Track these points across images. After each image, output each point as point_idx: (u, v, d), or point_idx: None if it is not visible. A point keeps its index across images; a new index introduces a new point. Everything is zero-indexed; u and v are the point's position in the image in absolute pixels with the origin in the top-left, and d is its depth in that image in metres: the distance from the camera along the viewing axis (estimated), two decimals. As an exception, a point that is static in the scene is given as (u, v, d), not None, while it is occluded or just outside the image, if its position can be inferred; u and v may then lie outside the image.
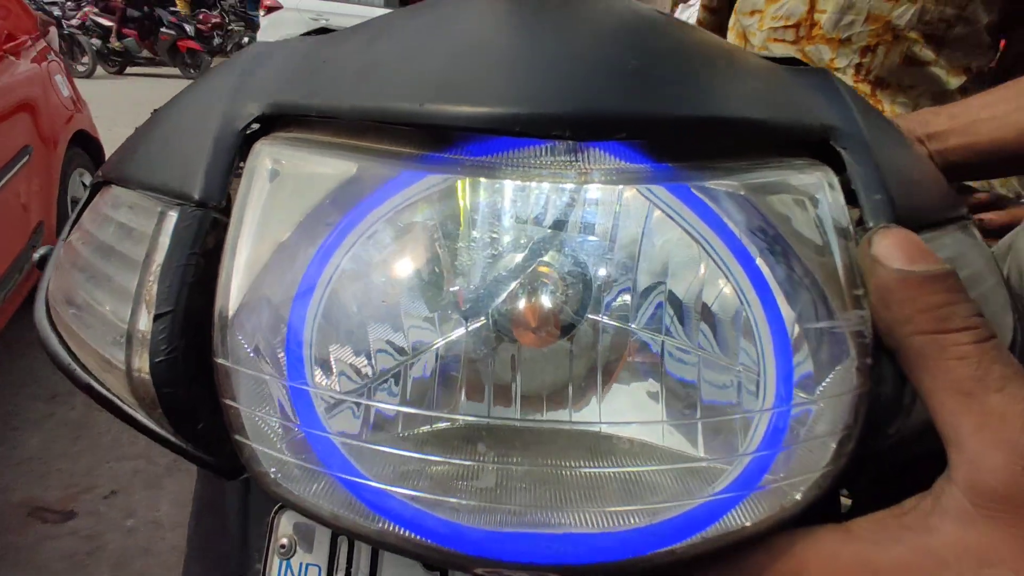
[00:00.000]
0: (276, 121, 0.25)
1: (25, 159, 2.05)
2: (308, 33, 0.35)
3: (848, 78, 0.88)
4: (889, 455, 0.23)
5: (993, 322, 0.28)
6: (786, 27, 0.92)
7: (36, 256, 0.51)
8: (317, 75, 0.25)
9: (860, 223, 0.24)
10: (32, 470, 1.76)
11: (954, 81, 0.86)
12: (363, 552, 0.35)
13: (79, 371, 0.26)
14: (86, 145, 2.73)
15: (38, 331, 0.29)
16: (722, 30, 1.09)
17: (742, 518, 0.21)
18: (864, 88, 0.88)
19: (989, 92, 0.55)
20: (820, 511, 0.21)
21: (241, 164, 0.25)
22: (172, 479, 1.75)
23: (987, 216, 0.57)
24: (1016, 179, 0.86)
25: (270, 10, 7.69)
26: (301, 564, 0.36)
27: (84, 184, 2.70)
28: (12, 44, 2.18)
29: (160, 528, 1.59)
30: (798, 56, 0.92)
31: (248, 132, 0.25)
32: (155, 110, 0.37)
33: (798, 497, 0.21)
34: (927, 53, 0.85)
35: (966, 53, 0.86)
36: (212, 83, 0.30)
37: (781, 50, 0.93)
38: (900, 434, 0.23)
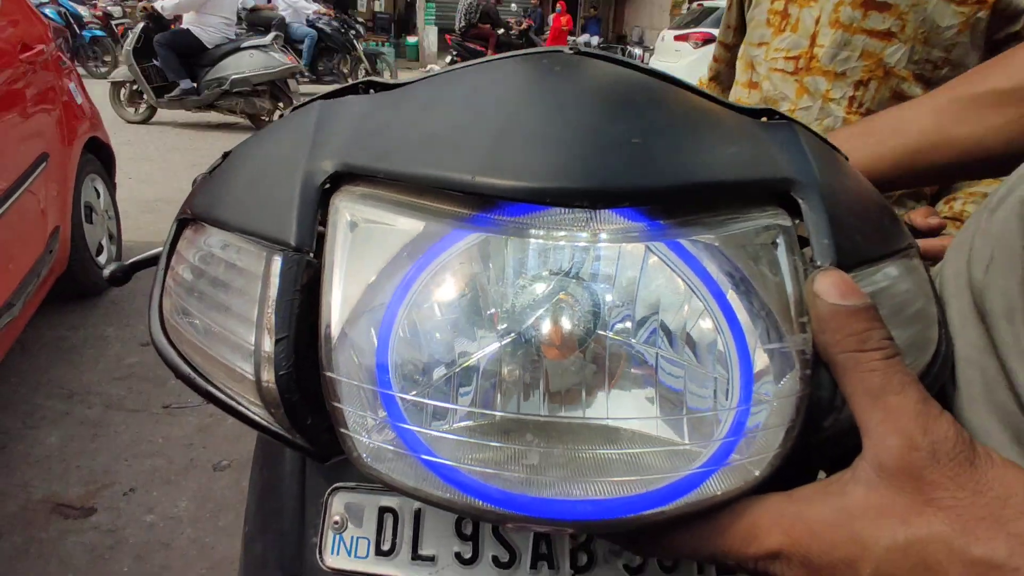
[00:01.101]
0: (345, 177, 0.32)
1: (43, 166, 2.12)
2: (355, 85, 0.41)
3: (841, 109, 0.95)
4: (830, 446, 0.30)
5: (923, 335, 0.35)
6: (787, 58, 0.99)
7: (107, 272, 0.58)
8: (381, 139, 0.32)
9: (811, 260, 0.30)
10: (52, 467, 1.82)
11: None
12: (406, 526, 0.42)
13: (199, 379, 0.33)
14: (98, 152, 2.80)
15: (156, 345, 0.35)
16: (734, 62, 1.17)
17: (715, 488, 0.28)
18: (856, 119, 0.95)
19: (862, 123, 0.62)
20: (774, 484, 0.28)
21: (321, 214, 0.31)
22: (189, 477, 1.81)
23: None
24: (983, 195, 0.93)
25: (706, 42, 7.77)
26: (352, 538, 0.42)
27: (96, 190, 2.76)
28: (28, 53, 2.24)
29: (180, 523, 1.65)
30: (796, 86, 0.99)
31: (323, 186, 0.32)
32: (226, 152, 0.43)
33: (757, 473, 0.28)
34: (915, 90, 0.92)
35: None
36: (286, 136, 0.37)
37: (781, 79, 1.00)
38: (835, 428, 0.29)
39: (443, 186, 0.28)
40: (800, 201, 0.31)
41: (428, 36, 14.98)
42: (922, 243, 0.58)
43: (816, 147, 0.35)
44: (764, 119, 0.38)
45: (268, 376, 0.29)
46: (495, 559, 0.40)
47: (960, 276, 0.41)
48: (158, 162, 4.78)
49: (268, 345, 0.29)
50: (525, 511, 0.27)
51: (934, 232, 0.58)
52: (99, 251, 2.75)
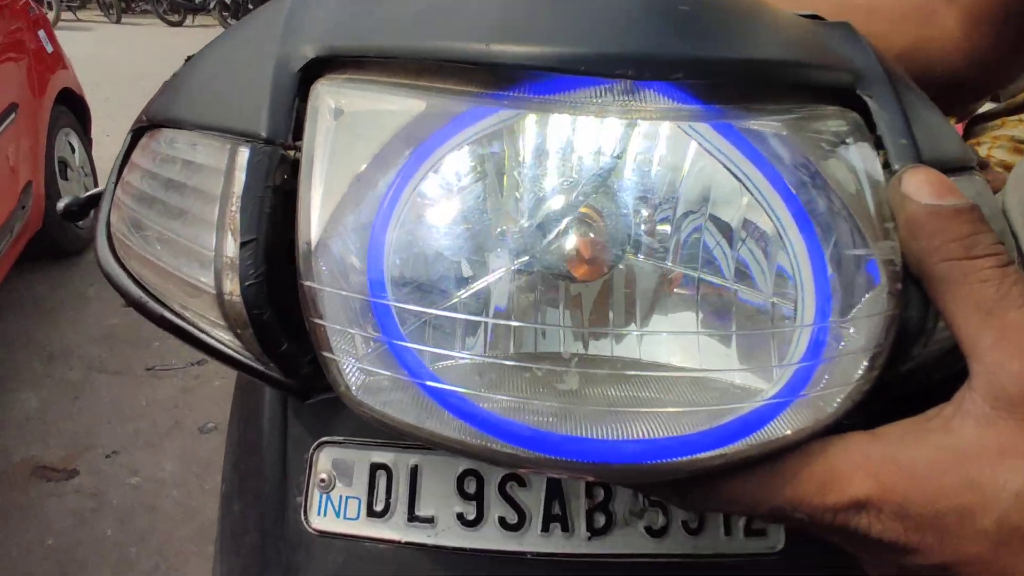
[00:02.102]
0: (327, 64, 0.26)
1: (11, 117, 2.01)
2: None
3: None
4: (907, 379, 0.26)
5: None
6: None
7: (61, 206, 0.52)
8: (371, 18, 0.26)
9: (886, 166, 0.26)
10: (32, 430, 1.78)
11: None
12: (401, 485, 0.37)
13: (151, 303, 0.28)
14: (71, 104, 2.67)
15: (104, 269, 0.30)
16: None
17: (784, 427, 0.23)
18: None
19: None
20: (850, 424, 0.24)
21: (299, 110, 0.26)
22: (174, 439, 1.77)
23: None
24: (1009, 143, 0.87)
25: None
26: (341, 497, 0.38)
27: (71, 144, 2.64)
28: (-8, -3, 2.11)
29: (164, 486, 1.62)
30: None
31: (302, 74, 0.26)
32: (189, 57, 0.37)
33: (832, 408, 0.23)
34: None
35: None
36: (255, 28, 0.31)
37: None
38: (919, 359, 0.25)
39: (450, 59, 0.22)
40: (868, 99, 0.27)
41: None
42: None
43: (875, 47, 0.30)
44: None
45: (231, 287, 0.24)
46: (502, 520, 0.35)
47: None
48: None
49: (231, 249, 0.24)
50: (559, 453, 0.22)
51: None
52: (76, 209, 2.65)
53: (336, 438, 0.39)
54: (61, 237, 2.50)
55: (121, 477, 1.64)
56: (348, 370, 0.23)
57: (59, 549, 1.44)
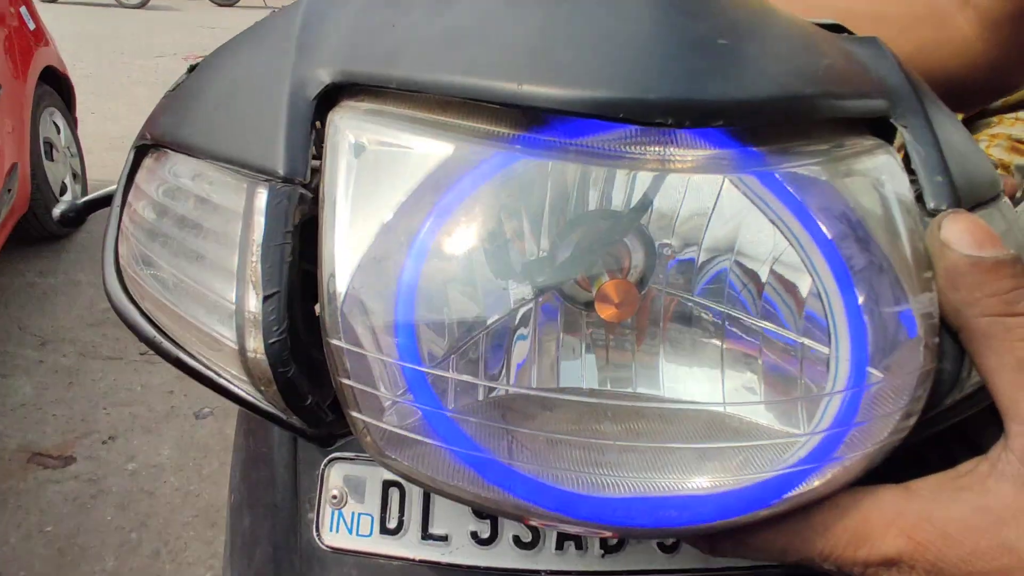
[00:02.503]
0: (343, 89, 0.25)
1: (-6, 98, 1.96)
2: None
3: None
4: (932, 423, 0.25)
5: None
6: None
7: (57, 212, 0.51)
8: (389, 41, 0.25)
9: (919, 200, 0.25)
10: (27, 416, 1.77)
11: None
12: (414, 502, 0.37)
13: (167, 344, 0.27)
14: (55, 83, 2.61)
15: (114, 304, 0.29)
16: None
17: (814, 481, 0.23)
18: None
19: None
20: (880, 472, 0.24)
21: (316, 137, 0.25)
22: (170, 425, 1.77)
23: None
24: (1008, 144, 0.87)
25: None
26: (353, 514, 0.38)
27: (56, 124, 2.58)
28: (-31, -28, 2.04)
29: (163, 471, 1.62)
30: None
31: (318, 101, 0.25)
32: (192, 66, 0.36)
33: (864, 463, 0.23)
34: None
35: None
36: (267, 42, 0.30)
37: None
38: (954, 406, 0.25)
39: (478, 97, 0.21)
40: (903, 129, 0.26)
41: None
42: None
43: (905, 67, 0.29)
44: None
45: (255, 344, 0.23)
46: (516, 539, 0.36)
47: None
48: (122, 97, 4.52)
49: (254, 304, 0.23)
50: (593, 518, 0.22)
51: None
52: (63, 191, 2.60)
53: (347, 454, 0.38)
54: (48, 221, 2.46)
55: (119, 463, 1.64)
56: (376, 429, 0.23)
57: (59, 535, 1.44)
